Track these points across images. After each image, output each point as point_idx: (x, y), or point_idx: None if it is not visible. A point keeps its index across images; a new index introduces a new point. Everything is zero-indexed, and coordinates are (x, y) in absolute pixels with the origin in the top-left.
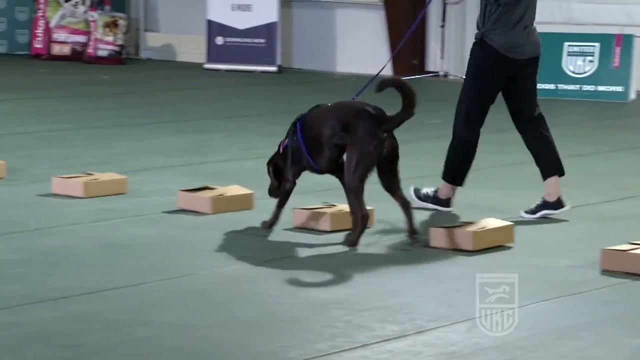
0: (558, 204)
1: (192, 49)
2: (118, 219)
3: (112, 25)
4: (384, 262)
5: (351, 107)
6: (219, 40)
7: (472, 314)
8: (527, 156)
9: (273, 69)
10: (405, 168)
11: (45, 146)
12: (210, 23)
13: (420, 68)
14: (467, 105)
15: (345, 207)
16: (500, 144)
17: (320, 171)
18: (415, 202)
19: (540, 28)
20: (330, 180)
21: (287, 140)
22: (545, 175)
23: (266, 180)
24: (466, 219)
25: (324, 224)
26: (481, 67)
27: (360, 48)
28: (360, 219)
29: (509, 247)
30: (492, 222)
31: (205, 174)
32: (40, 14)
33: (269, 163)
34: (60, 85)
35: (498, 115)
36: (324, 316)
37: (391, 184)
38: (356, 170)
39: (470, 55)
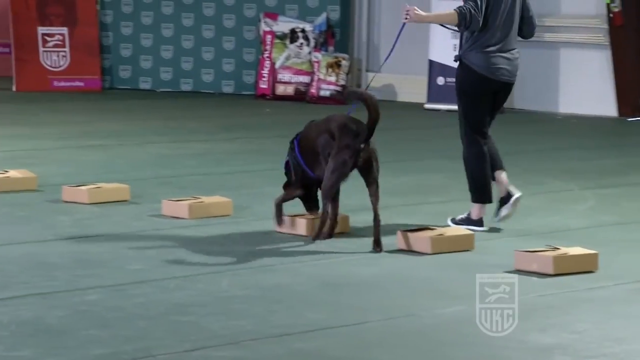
0: (509, 197)
1: (412, 89)
2: (339, 257)
3: (335, 65)
4: (606, 305)
5: (337, 120)
6: (440, 80)
7: None
8: None
9: None
10: None
11: (269, 184)
12: (431, 63)
13: None
14: (465, 127)
15: (570, 250)
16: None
17: (318, 179)
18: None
19: None
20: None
21: (287, 158)
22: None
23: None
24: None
25: (547, 267)
26: (463, 86)
27: (584, 88)
28: (321, 216)
29: None
30: None
31: (425, 214)
32: (266, 55)
33: (284, 186)
34: (284, 125)
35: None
36: None
37: (369, 191)
38: (331, 177)
39: (455, 77)
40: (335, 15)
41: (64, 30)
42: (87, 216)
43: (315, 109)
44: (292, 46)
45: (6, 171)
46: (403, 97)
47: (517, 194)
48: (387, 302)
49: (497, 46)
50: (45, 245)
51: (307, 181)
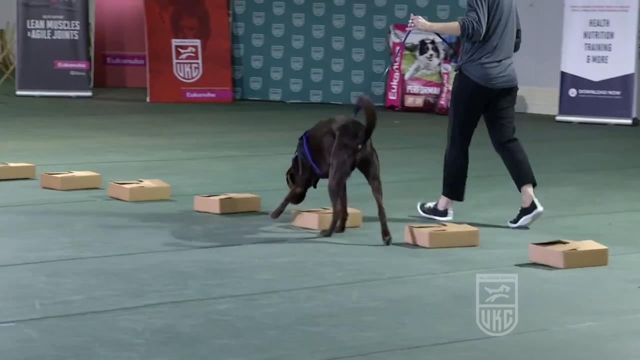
0: (532, 208)
1: (544, 101)
2: (469, 270)
3: None
4: None
5: (338, 121)
6: (572, 92)
7: None
8: None
9: (627, 121)
10: None
11: (399, 196)
12: (564, 75)
13: None
14: (452, 128)
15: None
16: None
17: (323, 175)
18: (421, 214)
19: None
20: None
21: (296, 153)
22: (519, 185)
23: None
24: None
25: None
26: (460, 95)
27: None
28: (333, 213)
29: None
30: None
31: (557, 228)
32: (396, 67)
33: (287, 173)
34: (413, 136)
35: None
36: None
37: (372, 187)
38: (334, 176)
39: (453, 84)
40: None
41: (197, 42)
42: (219, 226)
43: (443, 120)
44: (421, 57)
45: (141, 181)
46: (534, 109)
47: (540, 208)
48: (519, 316)
49: (495, 57)
50: (178, 255)
51: (311, 177)
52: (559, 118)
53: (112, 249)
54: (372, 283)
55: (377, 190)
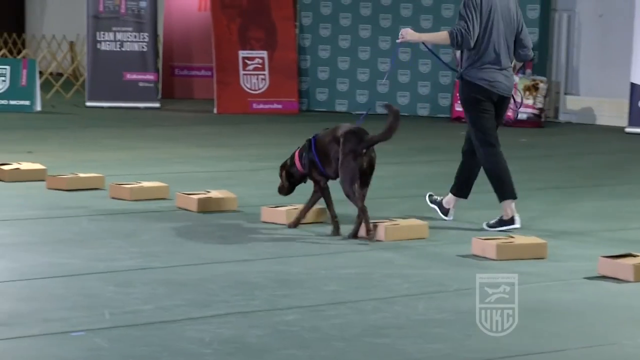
0: (510, 222)
1: (612, 112)
2: (538, 282)
3: (532, 88)
4: None
5: (342, 128)
6: None
7: None
8: None
9: None
10: None
11: (465, 207)
12: (633, 86)
13: None
14: (477, 134)
15: None
16: None
17: (328, 177)
18: (429, 205)
19: None
20: None
21: (304, 154)
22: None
23: None
24: None
25: None
26: (469, 99)
27: None
28: (360, 211)
29: None
30: None
31: (627, 241)
32: None
33: (282, 167)
34: None
35: None
36: None
37: (362, 191)
38: (345, 180)
39: (459, 94)
40: (533, 37)
41: (264, 53)
42: (286, 237)
43: (511, 131)
44: None
45: (208, 191)
46: (602, 120)
47: (517, 225)
48: (587, 330)
49: (494, 64)
50: (245, 265)
51: (308, 176)
52: (628, 130)
53: (180, 259)
54: (439, 295)
55: (363, 197)
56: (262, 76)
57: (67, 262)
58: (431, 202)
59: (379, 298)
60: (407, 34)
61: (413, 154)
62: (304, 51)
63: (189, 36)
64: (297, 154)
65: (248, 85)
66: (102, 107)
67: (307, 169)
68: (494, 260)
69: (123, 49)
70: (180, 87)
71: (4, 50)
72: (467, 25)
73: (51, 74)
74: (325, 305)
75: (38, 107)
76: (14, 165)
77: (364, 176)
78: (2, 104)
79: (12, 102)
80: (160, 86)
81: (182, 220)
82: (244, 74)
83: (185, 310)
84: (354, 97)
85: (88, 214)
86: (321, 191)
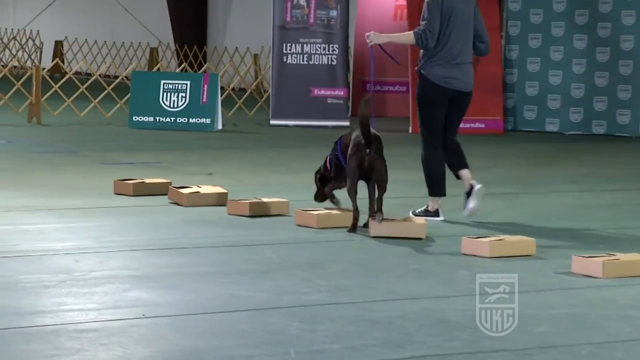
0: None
1: None
2: None
3: None
4: None
5: (355, 131)
6: None
7: None
8: None
9: None
10: None
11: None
12: None
13: None
14: (422, 130)
15: None
16: None
17: None
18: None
19: None
20: None
21: (329, 156)
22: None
23: None
24: None
25: None
26: (422, 95)
27: None
28: (353, 212)
29: None
30: None
31: None
32: None
33: (316, 173)
34: None
35: None
36: None
37: (371, 187)
38: (348, 181)
39: (416, 87)
40: None
41: None
42: (488, 270)
43: None
44: None
45: (405, 219)
46: None
47: (478, 186)
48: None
49: (453, 60)
50: (443, 302)
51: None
52: None
53: (371, 293)
54: None
55: (380, 193)
56: None
57: (249, 295)
58: (418, 215)
59: (596, 342)
60: (374, 35)
61: (635, 180)
62: (511, 64)
63: (383, 47)
64: (328, 158)
65: None
66: (287, 126)
67: (334, 171)
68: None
69: (311, 62)
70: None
71: (184, 65)
72: (432, 26)
73: (233, 89)
74: (535, 348)
75: (219, 126)
76: (193, 189)
77: (370, 176)
78: (181, 122)
79: (192, 120)
80: (350, 103)
81: (375, 251)
82: None
83: (377, 350)
84: (567, 116)
85: (271, 243)
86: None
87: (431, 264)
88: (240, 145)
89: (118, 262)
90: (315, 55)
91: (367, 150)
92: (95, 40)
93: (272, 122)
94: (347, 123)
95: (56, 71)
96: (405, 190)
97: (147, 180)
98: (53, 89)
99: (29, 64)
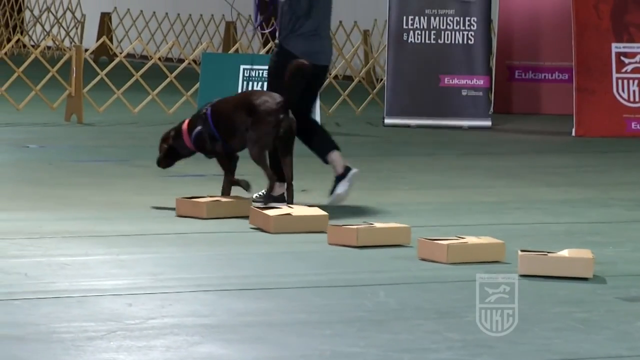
0: (347, 172)
1: None
2: None
3: None
4: None
5: (253, 95)
6: None
7: None
8: None
9: None
10: None
11: None
12: None
13: None
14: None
15: None
16: None
17: (233, 151)
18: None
19: None
20: None
21: (199, 128)
22: (323, 155)
23: None
24: None
25: None
26: (279, 71)
27: None
28: (270, 179)
29: None
30: None
31: None
32: None
33: (165, 140)
34: None
35: None
36: None
37: (285, 161)
38: (257, 145)
39: (271, 60)
40: None
41: None
42: None
43: None
44: None
45: (545, 253)
46: None
47: (354, 170)
48: None
49: (319, 31)
50: None
51: (221, 150)
52: None
53: (520, 352)
54: None
55: (289, 165)
56: None
57: (358, 352)
58: (264, 201)
59: None
60: None
61: None
62: None
63: (537, 23)
64: (185, 125)
65: (624, 95)
66: (407, 126)
67: (200, 145)
68: None
69: (440, 41)
70: (520, 97)
71: (271, 44)
72: None
73: (336, 77)
74: None
75: None
76: (284, 210)
77: (285, 143)
78: None
79: None
80: (492, 96)
81: (524, 294)
82: (619, 78)
83: None
84: None
85: (386, 282)
86: (227, 161)
87: (599, 312)
88: (346, 152)
89: (184, 307)
90: (447, 32)
91: (282, 116)
92: (154, 12)
93: (388, 121)
94: (488, 123)
95: (102, 53)
96: (569, 214)
97: (224, 199)
98: (98, 77)
99: (66, 43)
